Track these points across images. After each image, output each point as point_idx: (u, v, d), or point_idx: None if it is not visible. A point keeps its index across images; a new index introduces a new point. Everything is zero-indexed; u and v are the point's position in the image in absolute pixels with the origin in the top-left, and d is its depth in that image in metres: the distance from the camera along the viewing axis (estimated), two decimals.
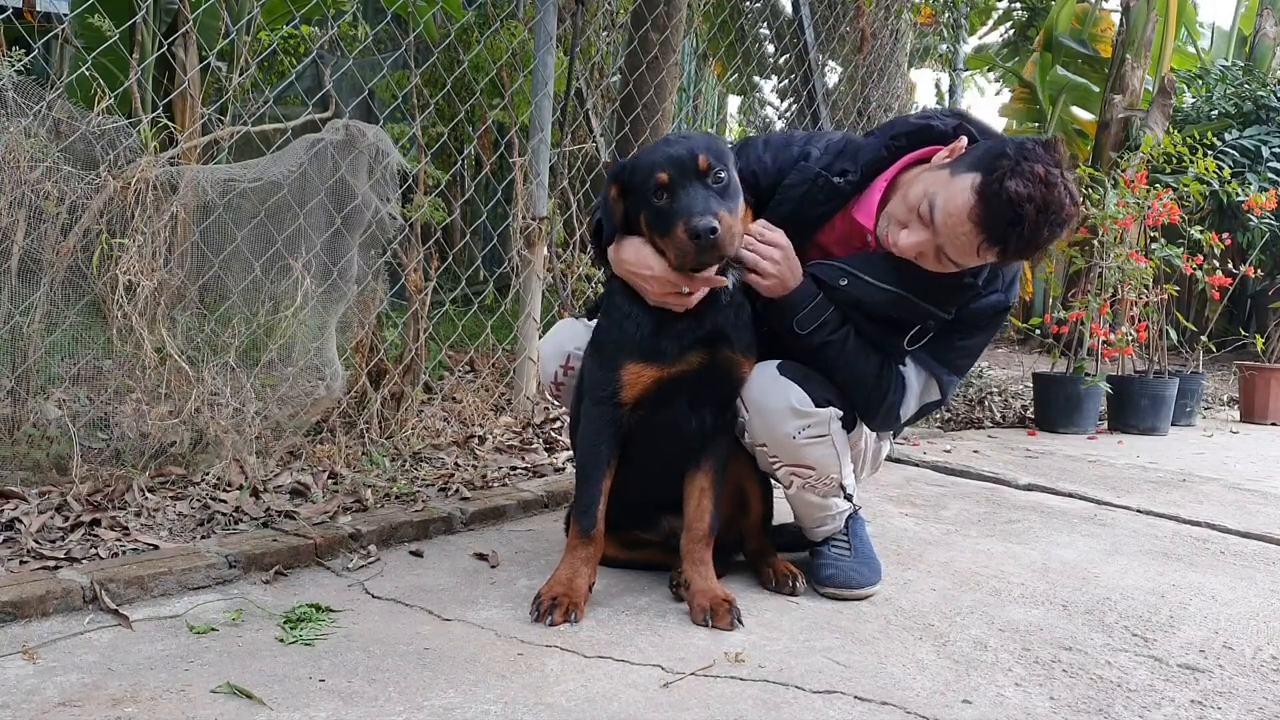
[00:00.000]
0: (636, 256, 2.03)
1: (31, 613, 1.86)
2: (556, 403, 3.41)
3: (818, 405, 2.12)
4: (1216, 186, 5.84)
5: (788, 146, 2.24)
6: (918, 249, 2.03)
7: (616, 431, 2.07)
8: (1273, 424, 5.83)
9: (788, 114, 7.63)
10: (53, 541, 2.21)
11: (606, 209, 2.06)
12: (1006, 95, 11.87)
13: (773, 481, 2.37)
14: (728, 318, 2.07)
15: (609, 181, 2.04)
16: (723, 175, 1.94)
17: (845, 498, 2.28)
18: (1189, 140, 6.22)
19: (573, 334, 2.36)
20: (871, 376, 2.18)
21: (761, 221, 2.12)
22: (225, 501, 2.53)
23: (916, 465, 3.88)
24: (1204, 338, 5.88)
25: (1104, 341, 5.11)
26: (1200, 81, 10.05)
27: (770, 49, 7.69)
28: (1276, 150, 8.67)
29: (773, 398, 2.12)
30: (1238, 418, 6.04)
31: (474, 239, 6.27)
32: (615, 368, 2.04)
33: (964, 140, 2.06)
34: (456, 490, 2.85)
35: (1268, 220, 7.61)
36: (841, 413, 2.17)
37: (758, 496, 2.36)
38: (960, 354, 2.26)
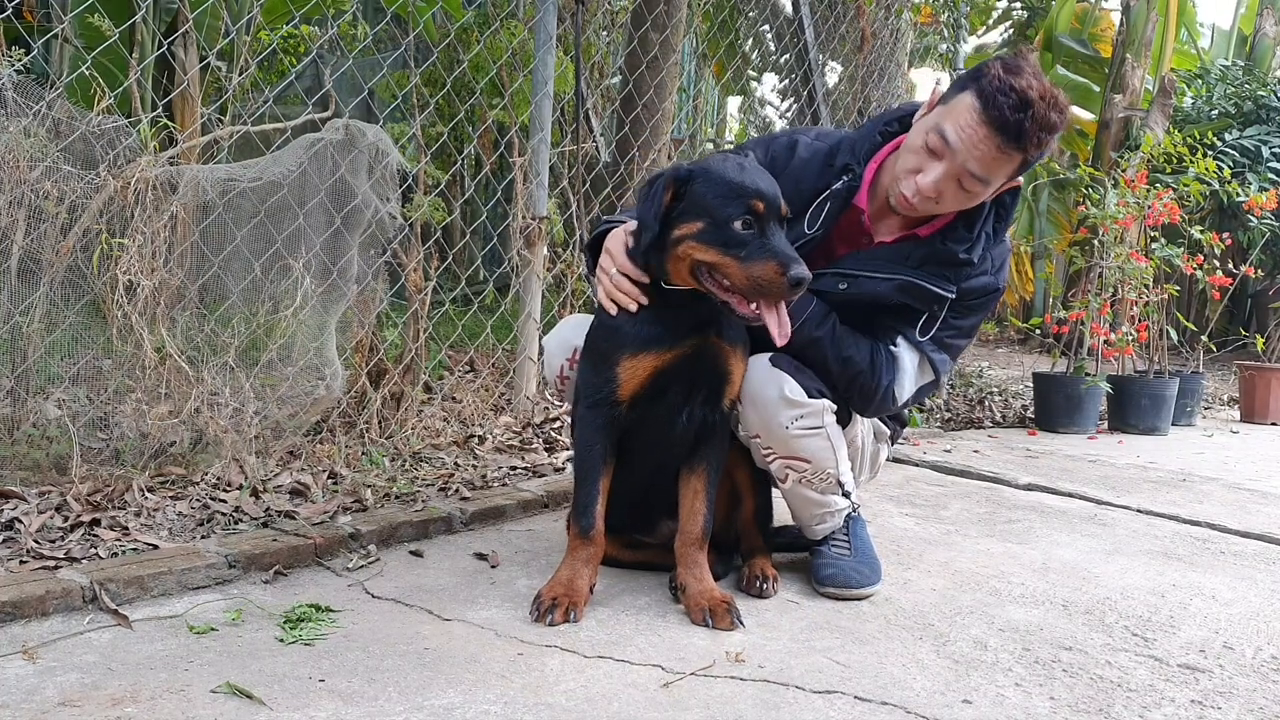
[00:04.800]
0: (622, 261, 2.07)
1: (31, 612, 1.86)
2: (560, 399, 3.41)
3: (810, 396, 2.13)
4: (1216, 186, 5.84)
5: (775, 139, 2.30)
6: (937, 185, 2.05)
7: (611, 432, 2.08)
8: (1273, 424, 5.83)
9: (788, 114, 7.63)
10: (52, 541, 2.21)
11: (656, 210, 1.95)
12: None
13: (770, 481, 2.36)
14: (716, 310, 2.05)
15: (667, 183, 1.95)
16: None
17: (843, 495, 2.28)
18: (1189, 140, 6.22)
19: (578, 328, 2.36)
20: (864, 362, 2.19)
21: None
22: (225, 501, 2.53)
23: (916, 465, 3.88)
24: (1204, 337, 5.87)
25: (1104, 341, 5.11)
26: (1200, 81, 10.05)
27: (770, 49, 7.69)
28: (1276, 150, 8.67)
29: (766, 388, 2.12)
30: (1238, 418, 6.04)
31: (474, 239, 6.27)
32: (612, 365, 2.05)
33: (939, 88, 2.13)
34: (456, 490, 2.85)
35: (1268, 220, 7.61)
36: (835, 405, 2.18)
37: (749, 487, 2.34)
38: (952, 334, 2.28)
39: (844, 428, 2.25)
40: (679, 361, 2.05)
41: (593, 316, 2.22)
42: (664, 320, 2.04)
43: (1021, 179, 2.16)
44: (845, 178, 2.19)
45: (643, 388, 2.04)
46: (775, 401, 2.12)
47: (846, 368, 2.18)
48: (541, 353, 2.62)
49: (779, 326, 1.92)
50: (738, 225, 1.89)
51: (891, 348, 2.22)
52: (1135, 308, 5.26)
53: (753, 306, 1.91)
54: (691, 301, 2.02)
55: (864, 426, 2.37)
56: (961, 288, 2.20)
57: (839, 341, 2.17)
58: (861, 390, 2.22)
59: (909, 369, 2.24)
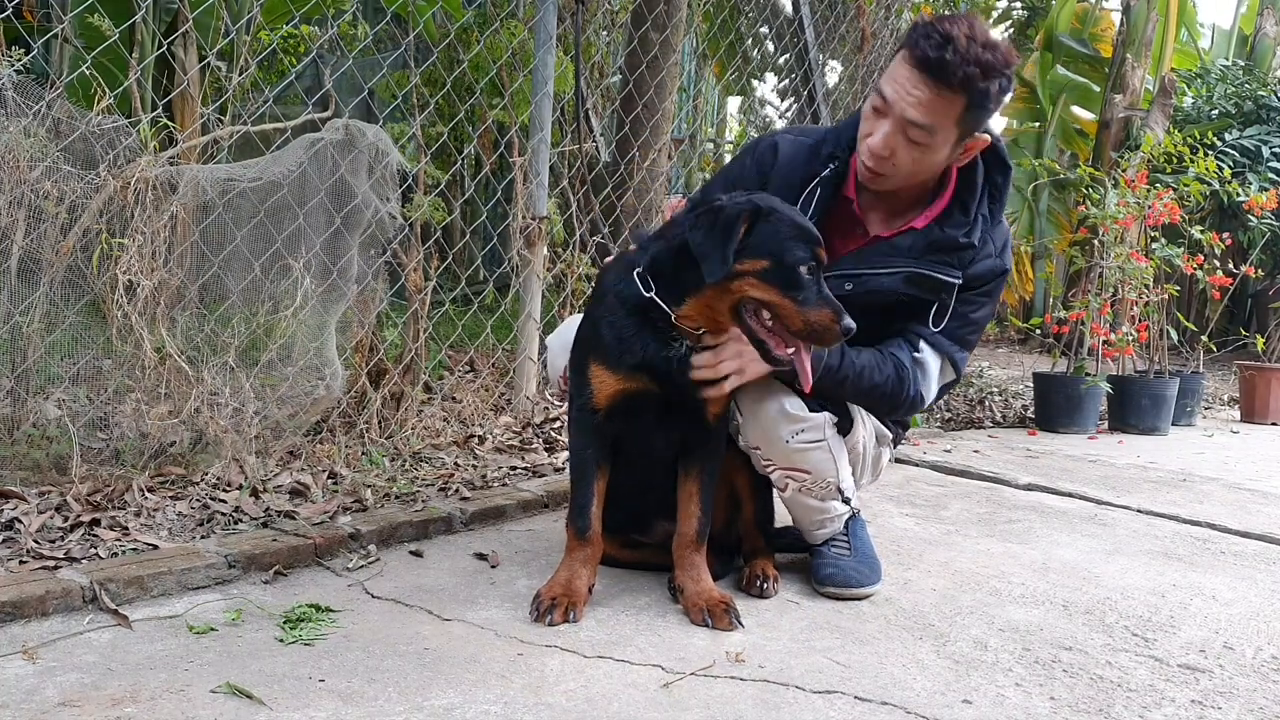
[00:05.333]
0: None
1: (31, 613, 1.86)
2: (562, 399, 3.40)
3: (810, 410, 2.13)
4: (1217, 186, 5.84)
5: (756, 144, 2.36)
6: (886, 142, 2.06)
7: (599, 435, 2.07)
8: (1273, 424, 5.83)
9: (788, 114, 7.64)
10: (52, 541, 2.21)
11: (733, 245, 1.88)
12: None
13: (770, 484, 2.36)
14: (690, 354, 2.01)
15: (744, 217, 1.90)
16: None
17: (843, 501, 2.28)
18: (1189, 140, 6.22)
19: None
20: (890, 383, 2.18)
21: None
22: (225, 501, 2.53)
23: (916, 465, 3.87)
24: (1204, 337, 5.87)
25: (1104, 341, 5.10)
26: (1200, 81, 10.05)
27: (770, 49, 7.69)
28: (1277, 150, 8.67)
29: (766, 402, 2.12)
30: (1238, 417, 6.04)
31: (474, 239, 6.26)
32: (584, 371, 2.05)
33: None
34: (456, 490, 2.85)
35: (1268, 220, 7.60)
36: (836, 418, 2.18)
37: (749, 492, 2.34)
38: (970, 330, 2.28)
39: (845, 435, 2.25)
40: (646, 391, 2.02)
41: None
42: (638, 345, 2.00)
43: (988, 136, 2.13)
44: (832, 165, 2.21)
45: (612, 403, 2.03)
46: (775, 416, 2.12)
47: (876, 396, 2.19)
48: (543, 352, 2.62)
49: (806, 375, 1.94)
50: (803, 270, 1.90)
51: (915, 354, 2.21)
52: (1135, 308, 5.26)
53: (789, 350, 1.93)
54: (673, 342, 1.99)
55: (866, 432, 2.36)
56: (968, 273, 2.19)
57: (863, 375, 2.15)
58: (891, 406, 2.25)
59: (933, 372, 2.25)
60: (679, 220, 2.01)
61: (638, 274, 1.99)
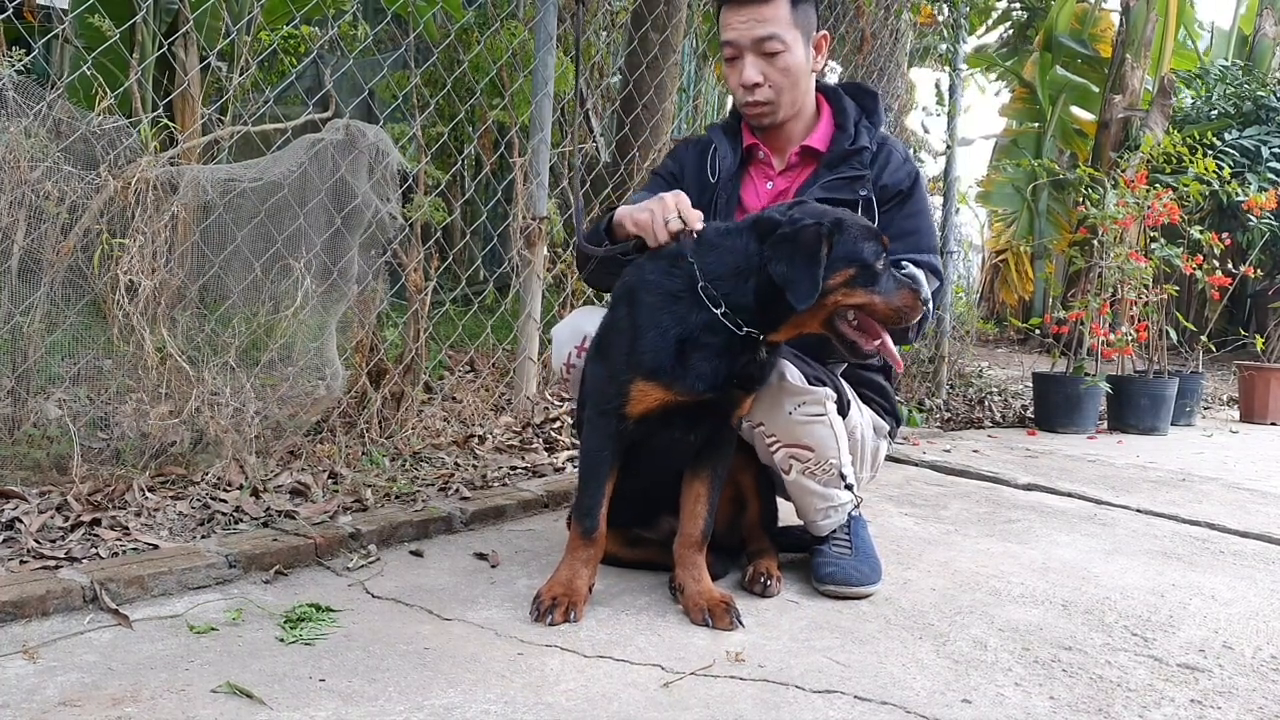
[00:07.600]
0: None
1: (32, 612, 1.86)
2: (564, 389, 3.39)
3: (810, 383, 2.15)
4: (1216, 186, 5.85)
5: (662, 167, 2.58)
6: (753, 68, 2.29)
7: (620, 439, 2.06)
8: (1272, 424, 5.83)
9: None
10: (53, 541, 2.21)
11: (819, 263, 1.91)
12: (1006, 95, 11.87)
13: (771, 476, 2.36)
14: (756, 366, 2.05)
15: (825, 237, 1.91)
16: None
17: (846, 488, 2.29)
18: (1189, 140, 6.23)
19: (590, 315, 2.33)
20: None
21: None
22: (225, 501, 2.53)
23: (916, 465, 3.88)
24: (1204, 337, 5.88)
25: (1104, 341, 5.11)
26: (1200, 81, 10.06)
27: None
28: (1276, 150, 8.68)
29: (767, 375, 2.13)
30: (1237, 418, 6.05)
31: (474, 239, 6.26)
32: (624, 383, 2.00)
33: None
34: (456, 490, 2.85)
35: (1267, 220, 7.61)
36: (835, 395, 2.21)
37: (754, 491, 2.35)
38: (924, 235, 2.39)
39: (843, 418, 2.26)
40: (693, 402, 2.01)
41: (605, 310, 2.19)
42: (692, 358, 1.98)
43: (827, 33, 2.39)
44: (715, 129, 2.47)
45: (651, 413, 2.02)
46: (775, 388, 2.14)
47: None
48: (543, 348, 2.62)
49: (896, 359, 2.05)
50: (879, 265, 1.96)
51: (903, 273, 2.23)
52: (1135, 308, 5.27)
53: (876, 343, 2.00)
54: (744, 350, 2.00)
55: (863, 418, 2.37)
56: (880, 184, 2.35)
57: None
58: (903, 335, 2.24)
59: (923, 281, 2.27)
60: (735, 243, 1.99)
61: (723, 314, 1.96)
